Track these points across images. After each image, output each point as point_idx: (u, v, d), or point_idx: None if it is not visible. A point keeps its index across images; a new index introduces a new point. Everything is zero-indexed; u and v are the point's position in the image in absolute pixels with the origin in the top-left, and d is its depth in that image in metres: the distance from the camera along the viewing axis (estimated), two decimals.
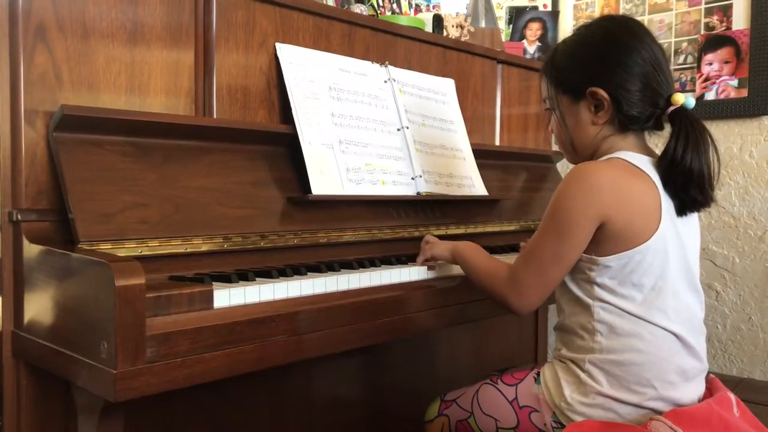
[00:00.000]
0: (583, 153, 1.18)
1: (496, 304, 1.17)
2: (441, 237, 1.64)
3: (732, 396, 1.14)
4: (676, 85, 2.27)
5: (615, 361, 1.06)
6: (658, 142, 1.15)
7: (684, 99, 1.10)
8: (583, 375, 1.08)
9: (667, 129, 1.12)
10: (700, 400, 1.13)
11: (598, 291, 1.08)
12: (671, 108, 1.10)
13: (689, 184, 1.06)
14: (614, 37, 1.13)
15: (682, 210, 1.09)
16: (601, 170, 1.08)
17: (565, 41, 1.21)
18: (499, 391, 1.20)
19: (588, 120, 1.15)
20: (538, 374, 1.17)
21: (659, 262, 1.06)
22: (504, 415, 1.18)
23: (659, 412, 1.06)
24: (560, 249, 1.07)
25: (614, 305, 1.07)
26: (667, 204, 1.08)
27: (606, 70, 1.11)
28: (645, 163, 1.10)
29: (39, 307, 1.07)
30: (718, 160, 1.09)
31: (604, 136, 1.14)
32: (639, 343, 1.06)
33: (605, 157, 1.12)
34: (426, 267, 1.38)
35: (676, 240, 1.09)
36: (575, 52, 1.17)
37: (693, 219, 1.14)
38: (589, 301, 1.09)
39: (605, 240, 1.06)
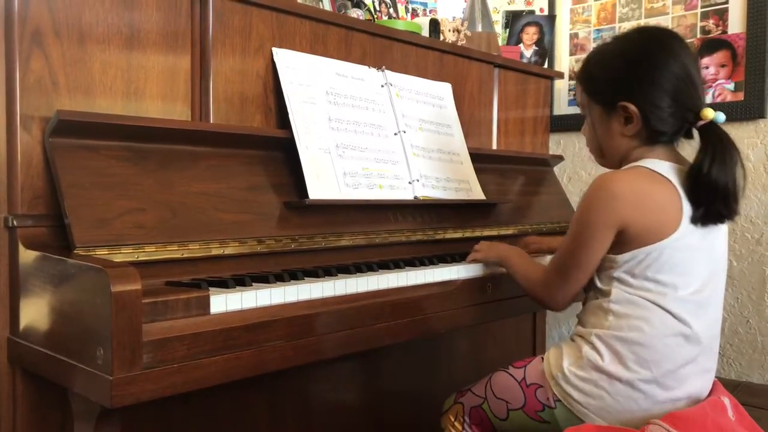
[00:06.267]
0: (611, 159, 1.23)
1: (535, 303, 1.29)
2: (438, 241, 1.65)
3: (727, 400, 1.14)
4: None
5: (619, 337, 1.10)
6: (684, 147, 1.19)
7: (713, 114, 1.12)
8: (586, 347, 1.13)
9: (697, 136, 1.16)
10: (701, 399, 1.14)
11: (615, 282, 1.13)
12: (701, 122, 1.13)
13: (714, 198, 1.10)
14: (647, 51, 1.15)
15: (704, 220, 1.12)
16: (620, 180, 1.13)
17: (599, 51, 1.25)
18: (510, 374, 1.25)
19: (618, 131, 1.18)
20: (544, 356, 1.22)
21: (679, 260, 1.10)
22: (514, 396, 1.22)
23: (652, 398, 1.08)
24: (581, 255, 1.14)
25: (630, 292, 1.12)
26: (688, 208, 1.11)
27: (637, 85, 1.14)
28: (668, 170, 1.13)
29: (35, 313, 1.07)
30: (745, 176, 1.14)
31: (633, 146, 1.18)
32: (645, 326, 1.09)
33: (628, 166, 1.17)
34: (424, 271, 1.38)
35: (702, 243, 1.12)
36: (609, 64, 1.20)
37: (722, 228, 1.17)
38: (607, 287, 1.14)
39: (624, 242, 1.11)
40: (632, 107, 1.14)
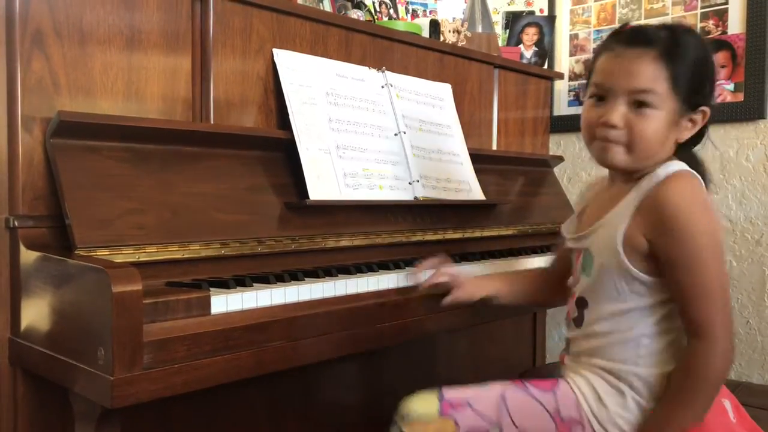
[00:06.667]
0: (643, 161, 1.06)
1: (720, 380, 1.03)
2: (438, 242, 1.64)
3: (728, 401, 1.14)
4: None
5: (659, 374, 1.04)
6: None
7: None
8: (622, 385, 1.05)
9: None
10: None
11: (657, 308, 1.04)
12: None
13: None
14: (713, 60, 1.11)
15: None
16: (699, 185, 1.04)
17: (692, 52, 1.06)
18: (534, 397, 1.07)
19: (676, 134, 1.06)
20: (570, 382, 1.09)
21: None
22: (544, 428, 1.05)
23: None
24: (724, 267, 1.02)
25: (670, 324, 1.05)
26: None
27: (712, 92, 1.08)
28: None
29: (36, 313, 1.07)
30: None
31: (669, 153, 1.08)
32: (678, 354, 1.04)
33: (676, 167, 1.05)
34: (423, 271, 1.37)
35: None
36: (704, 64, 1.07)
37: None
38: (633, 315, 1.05)
39: None
40: (708, 114, 1.07)
